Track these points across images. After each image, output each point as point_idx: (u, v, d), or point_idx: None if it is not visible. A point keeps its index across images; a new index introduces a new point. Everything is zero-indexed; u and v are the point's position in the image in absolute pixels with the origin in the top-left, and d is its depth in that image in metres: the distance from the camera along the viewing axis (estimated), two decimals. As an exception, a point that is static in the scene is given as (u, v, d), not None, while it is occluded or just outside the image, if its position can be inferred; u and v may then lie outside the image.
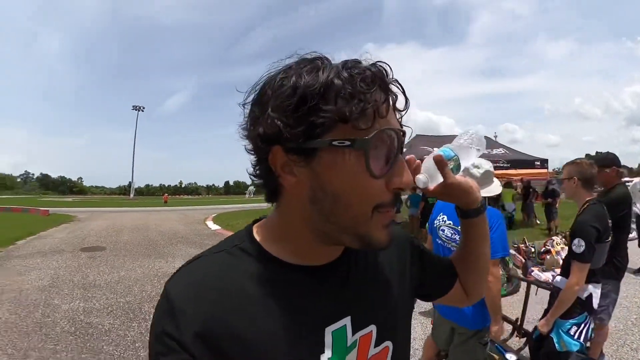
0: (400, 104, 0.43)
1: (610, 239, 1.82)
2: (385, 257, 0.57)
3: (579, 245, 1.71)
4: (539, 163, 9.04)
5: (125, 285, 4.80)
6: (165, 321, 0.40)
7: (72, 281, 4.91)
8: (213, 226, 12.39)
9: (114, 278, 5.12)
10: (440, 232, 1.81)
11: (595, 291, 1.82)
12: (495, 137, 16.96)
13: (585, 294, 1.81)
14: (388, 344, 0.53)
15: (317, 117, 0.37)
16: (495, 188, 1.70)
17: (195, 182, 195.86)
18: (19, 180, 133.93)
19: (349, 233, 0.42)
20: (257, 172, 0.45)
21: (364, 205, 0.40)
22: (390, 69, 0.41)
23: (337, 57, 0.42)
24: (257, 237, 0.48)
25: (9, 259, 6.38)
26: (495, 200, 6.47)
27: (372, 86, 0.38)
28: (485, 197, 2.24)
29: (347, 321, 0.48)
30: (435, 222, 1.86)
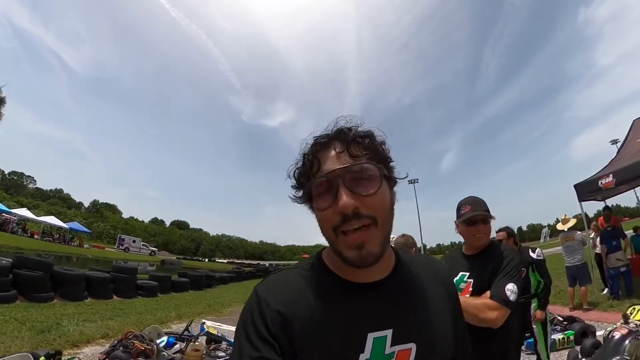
0: (341, 147, 0.57)
1: None
2: (433, 291, 0.66)
3: None
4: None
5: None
6: (253, 310, 0.56)
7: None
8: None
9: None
10: None
11: None
12: None
13: None
14: None
15: (295, 181, 0.62)
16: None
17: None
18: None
19: (334, 251, 0.58)
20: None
21: (326, 229, 0.57)
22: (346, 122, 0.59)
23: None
24: (324, 258, 0.65)
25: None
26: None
27: (305, 158, 0.59)
28: None
29: (388, 333, 0.57)
30: None
